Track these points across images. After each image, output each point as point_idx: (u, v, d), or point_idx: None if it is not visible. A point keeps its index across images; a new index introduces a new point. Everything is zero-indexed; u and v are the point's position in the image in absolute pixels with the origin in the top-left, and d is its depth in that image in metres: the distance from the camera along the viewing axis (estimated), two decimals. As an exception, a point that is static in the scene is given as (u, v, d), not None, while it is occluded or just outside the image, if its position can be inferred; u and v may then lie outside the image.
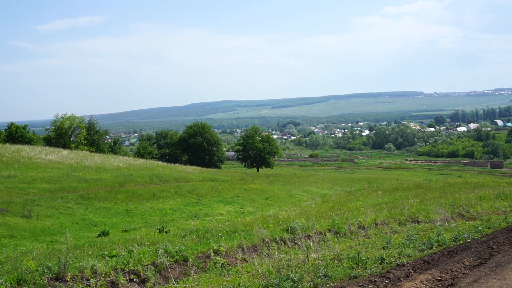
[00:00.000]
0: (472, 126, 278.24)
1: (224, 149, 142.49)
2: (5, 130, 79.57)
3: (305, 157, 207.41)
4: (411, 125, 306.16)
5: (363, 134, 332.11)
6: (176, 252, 12.34)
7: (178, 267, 11.90)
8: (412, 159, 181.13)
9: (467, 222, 17.96)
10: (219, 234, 15.00)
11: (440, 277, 10.85)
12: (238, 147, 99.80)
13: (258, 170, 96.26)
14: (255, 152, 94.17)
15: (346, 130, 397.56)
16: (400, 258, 12.31)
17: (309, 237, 14.88)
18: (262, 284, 10.33)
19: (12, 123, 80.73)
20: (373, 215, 18.27)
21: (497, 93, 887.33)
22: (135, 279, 11.08)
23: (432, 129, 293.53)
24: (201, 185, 46.28)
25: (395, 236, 15.43)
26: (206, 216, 32.79)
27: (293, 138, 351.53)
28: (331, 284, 10.36)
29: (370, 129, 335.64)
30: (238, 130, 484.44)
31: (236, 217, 30.64)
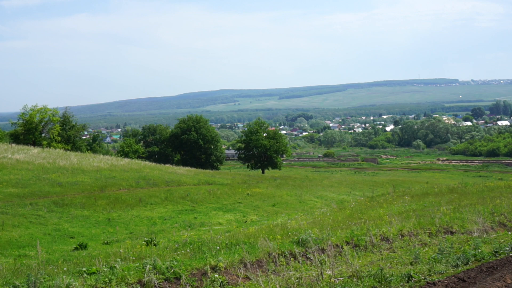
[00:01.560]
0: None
1: (223, 147, 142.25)
2: (-37, 124, 79.91)
3: (318, 156, 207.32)
4: (444, 118, 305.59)
5: (387, 129, 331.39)
6: (167, 268, 12.33)
7: (169, 286, 11.90)
8: (444, 158, 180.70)
9: (510, 233, 17.89)
10: (218, 247, 14.98)
11: (478, 298, 10.81)
12: (240, 144, 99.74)
13: (263, 172, 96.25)
14: (260, 150, 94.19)
15: (367, 125, 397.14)
16: (430, 275, 12.27)
17: (323, 250, 14.86)
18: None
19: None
20: (398, 225, 18.23)
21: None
22: (118, 300, 11.08)
23: (469, 123, 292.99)
24: (196, 190, 46.29)
25: (424, 250, 15.38)
26: (202, 226, 32.80)
27: (304, 134, 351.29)
28: (349, 306, 10.33)
29: (395, 123, 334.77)
30: (240, 125, 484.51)
31: (238, 227, 30.65)
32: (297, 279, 12.14)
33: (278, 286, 11.54)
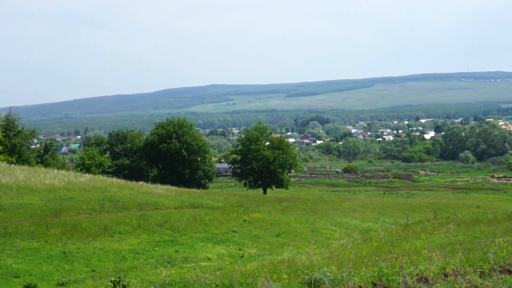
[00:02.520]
0: None
1: (214, 159, 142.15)
2: None
3: (337, 171, 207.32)
4: (500, 123, 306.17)
5: (426, 137, 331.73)
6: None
7: None
8: (501, 175, 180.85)
9: None
10: (206, 290, 14.98)
11: None
12: (235, 156, 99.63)
13: (265, 192, 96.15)
14: (261, 164, 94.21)
15: (400, 131, 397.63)
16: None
17: (343, 294, 14.85)
18: None
19: None
20: (441, 262, 18.21)
21: None
22: None
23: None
24: (178, 215, 46.23)
25: (474, 294, 15.36)
26: (185, 261, 32.72)
27: (318, 142, 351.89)
28: None
29: (437, 129, 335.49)
30: (235, 131, 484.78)
31: (232, 263, 30.57)
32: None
33: None
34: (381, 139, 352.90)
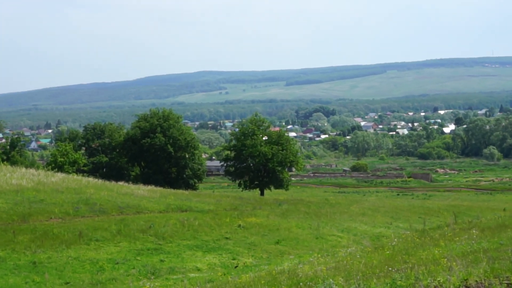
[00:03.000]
0: None
1: (204, 156, 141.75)
2: None
3: (344, 170, 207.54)
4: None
5: (446, 130, 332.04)
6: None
7: None
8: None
9: None
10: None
11: None
12: (228, 152, 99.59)
13: (262, 193, 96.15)
14: (258, 161, 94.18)
15: (415, 124, 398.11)
16: None
17: (351, 309, 14.87)
18: None
19: None
20: (462, 272, 18.22)
21: None
22: None
23: None
24: (164, 219, 46.22)
25: (501, 309, 15.37)
26: (172, 272, 32.72)
27: (323, 137, 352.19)
28: None
29: (458, 121, 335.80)
30: (228, 123, 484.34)
31: (225, 274, 30.59)
32: None
33: None
34: (394, 133, 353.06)
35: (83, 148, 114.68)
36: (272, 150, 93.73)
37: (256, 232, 45.81)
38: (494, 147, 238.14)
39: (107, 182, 67.28)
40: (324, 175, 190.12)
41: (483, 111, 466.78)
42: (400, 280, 17.81)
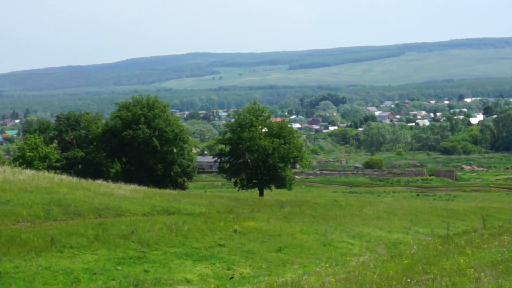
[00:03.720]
0: None
1: (195, 150, 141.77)
2: None
3: (356, 166, 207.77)
4: None
5: (473, 121, 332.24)
6: None
7: None
8: None
9: None
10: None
11: None
12: (223, 146, 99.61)
13: (262, 193, 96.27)
14: (257, 156, 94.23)
15: (438, 114, 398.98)
16: None
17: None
18: None
19: None
20: (492, 284, 18.26)
21: None
22: None
23: None
24: (148, 223, 46.26)
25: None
26: (157, 284, 32.76)
27: (332, 128, 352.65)
28: None
29: (487, 110, 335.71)
30: (223, 113, 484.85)
31: (219, 287, 30.66)
32: None
33: None
34: (413, 124, 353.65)
35: (55, 141, 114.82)
36: (273, 144, 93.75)
37: (255, 238, 45.88)
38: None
39: (83, 181, 67.30)
40: (332, 172, 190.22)
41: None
42: (420, 294, 17.85)
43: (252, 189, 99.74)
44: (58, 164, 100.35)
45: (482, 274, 20.12)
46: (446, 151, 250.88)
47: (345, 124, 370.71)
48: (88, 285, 32.39)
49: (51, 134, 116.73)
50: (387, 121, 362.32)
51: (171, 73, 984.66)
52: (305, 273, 31.46)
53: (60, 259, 36.58)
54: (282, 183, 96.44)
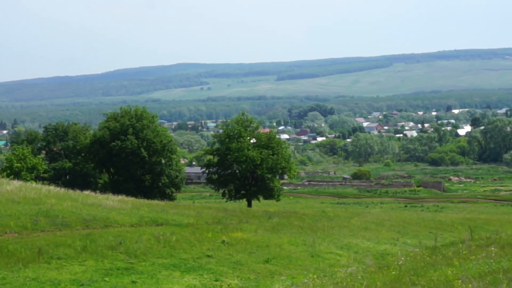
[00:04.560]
0: None
1: (183, 161, 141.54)
2: None
3: (344, 177, 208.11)
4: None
5: (460, 132, 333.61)
6: None
7: None
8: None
9: None
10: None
11: None
12: (211, 157, 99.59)
13: (250, 205, 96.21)
14: (245, 167, 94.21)
15: (426, 125, 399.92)
16: None
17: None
18: None
19: None
20: (479, 296, 18.30)
21: None
22: None
23: None
24: (136, 234, 46.20)
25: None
26: (145, 296, 32.71)
27: (320, 139, 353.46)
28: None
29: (474, 122, 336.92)
30: (211, 124, 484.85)
31: (206, 298, 30.64)
32: None
33: None
34: (401, 135, 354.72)
35: (43, 152, 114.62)
36: (261, 155, 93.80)
37: (243, 249, 45.87)
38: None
39: (70, 191, 67.20)
40: (321, 183, 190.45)
41: (503, 110, 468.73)
42: (407, 305, 17.90)
43: (240, 200, 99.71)
44: (46, 175, 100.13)
45: (470, 285, 20.21)
46: (434, 162, 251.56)
47: (333, 135, 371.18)
48: (76, 296, 32.32)
49: (39, 145, 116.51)
50: (375, 132, 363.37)
51: (160, 83, 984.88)
52: (293, 284, 31.53)
53: (48, 270, 36.51)
54: (270, 194, 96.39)
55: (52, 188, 67.46)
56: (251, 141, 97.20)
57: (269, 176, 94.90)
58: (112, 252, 41.19)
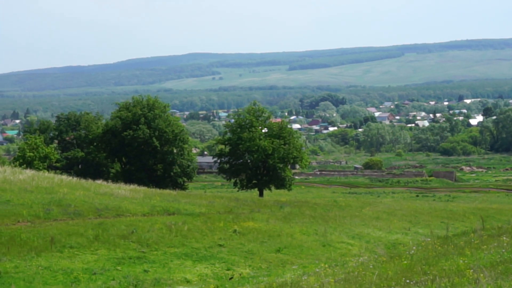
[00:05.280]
0: None
1: (194, 151, 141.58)
2: None
3: (355, 167, 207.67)
4: None
5: (473, 122, 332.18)
6: None
7: None
8: None
9: None
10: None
11: None
12: (222, 147, 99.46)
13: (261, 194, 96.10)
14: (256, 157, 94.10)
15: (438, 115, 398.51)
16: None
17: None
18: None
19: None
20: (491, 285, 18.23)
21: None
22: None
23: None
24: (148, 223, 46.18)
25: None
26: (157, 284, 32.69)
27: (331, 129, 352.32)
28: None
29: (487, 112, 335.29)
30: (223, 114, 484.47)
31: (218, 287, 30.61)
32: None
33: None
34: (413, 125, 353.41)
35: (56, 141, 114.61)
36: (272, 145, 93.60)
37: (254, 239, 45.83)
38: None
39: (83, 181, 67.23)
40: (332, 173, 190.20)
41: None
42: (419, 295, 17.80)
43: (252, 190, 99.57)
44: (58, 164, 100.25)
45: (481, 275, 20.11)
46: (446, 152, 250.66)
47: (344, 125, 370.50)
48: (88, 285, 32.33)
49: (51, 134, 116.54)
50: (387, 122, 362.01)
51: (172, 73, 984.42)
52: (305, 274, 31.43)
53: (60, 259, 36.54)
54: (281, 183, 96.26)
55: (64, 177, 67.61)
56: (263, 130, 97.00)
57: (281, 165, 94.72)
58: (124, 241, 41.22)
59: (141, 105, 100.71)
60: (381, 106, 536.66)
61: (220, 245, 43.05)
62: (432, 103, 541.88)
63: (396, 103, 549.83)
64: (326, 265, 33.95)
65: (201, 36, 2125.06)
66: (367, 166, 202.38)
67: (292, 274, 32.66)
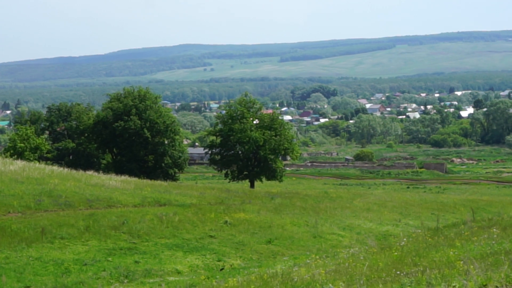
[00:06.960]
0: None
1: (186, 142, 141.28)
2: None
3: (346, 159, 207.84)
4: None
5: (463, 114, 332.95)
6: None
7: None
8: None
9: None
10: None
11: None
12: (213, 138, 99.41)
13: (252, 185, 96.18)
14: (247, 148, 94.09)
15: (428, 107, 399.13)
16: None
17: (353, 319, 14.89)
18: None
19: None
20: (481, 277, 18.25)
21: None
22: None
23: None
24: (139, 214, 46.17)
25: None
26: (148, 275, 32.69)
27: (323, 121, 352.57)
28: None
29: (477, 104, 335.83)
30: (214, 105, 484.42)
31: (209, 278, 30.58)
32: None
33: None
34: (404, 117, 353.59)
35: (47, 132, 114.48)
36: (264, 136, 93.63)
37: (245, 230, 45.86)
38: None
39: (74, 171, 67.24)
40: (323, 164, 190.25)
41: (506, 92, 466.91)
42: (409, 285, 17.85)
43: (243, 181, 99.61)
44: (49, 155, 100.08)
45: (471, 266, 20.14)
46: (436, 144, 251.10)
47: (336, 117, 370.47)
48: (79, 276, 32.31)
49: (42, 125, 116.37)
50: (378, 114, 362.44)
51: (163, 64, 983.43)
52: (295, 265, 31.47)
53: (51, 250, 36.51)
54: (273, 175, 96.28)
55: (55, 168, 67.45)
56: (254, 122, 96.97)
57: (272, 157, 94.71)
58: (115, 232, 41.21)
59: (132, 96, 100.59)
60: (372, 98, 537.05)
61: (211, 236, 43.07)
62: (423, 95, 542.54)
63: (387, 94, 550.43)
64: (317, 257, 34.01)
65: (193, 27, 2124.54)
66: (358, 157, 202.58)
67: (283, 265, 32.70)
